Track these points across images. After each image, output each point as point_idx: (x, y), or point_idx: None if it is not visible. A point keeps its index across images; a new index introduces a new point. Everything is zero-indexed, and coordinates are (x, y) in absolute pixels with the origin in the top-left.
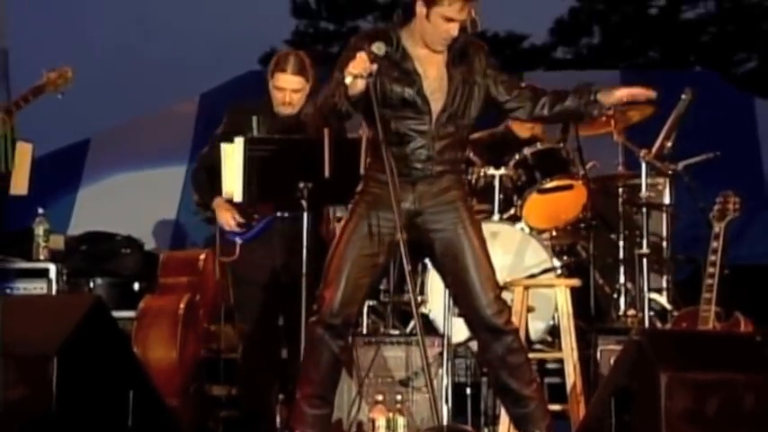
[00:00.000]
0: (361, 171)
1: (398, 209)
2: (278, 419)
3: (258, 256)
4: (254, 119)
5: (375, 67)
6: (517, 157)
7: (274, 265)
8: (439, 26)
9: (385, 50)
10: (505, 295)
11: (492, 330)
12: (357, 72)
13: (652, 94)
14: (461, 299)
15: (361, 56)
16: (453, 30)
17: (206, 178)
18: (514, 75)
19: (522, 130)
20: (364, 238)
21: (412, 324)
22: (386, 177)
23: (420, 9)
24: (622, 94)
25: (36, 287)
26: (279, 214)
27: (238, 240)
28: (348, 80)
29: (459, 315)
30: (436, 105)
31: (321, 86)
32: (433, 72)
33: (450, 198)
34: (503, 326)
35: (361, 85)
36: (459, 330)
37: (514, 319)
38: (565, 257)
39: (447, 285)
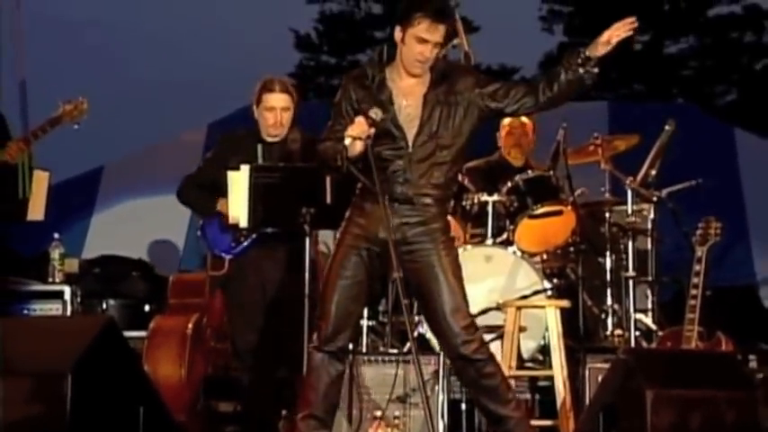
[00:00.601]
0: None
1: (394, 246)
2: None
3: (247, 274)
4: (260, 147)
5: (373, 130)
6: (510, 184)
7: (264, 283)
8: (413, 48)
9: (382, 116)
10: (498, 315)
11: (461, 358)
12: (356, 134)
13: (630, 21)
14: (433, 326)
15: (360, 121)
16: (427, 51)
17: (198, 191)
18: (504, 80)
19: (516, 158)
20: (352, 267)
21: (409, 343)
22: (370, 208)
23: (398, 34)
24: (606, 37)
25: (52, 308)
26: (269, 230)
27: (227, 256)
28: (347, 141)
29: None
30: (411, 131)
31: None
32: (411, 102)
33: (430, 230)
34: (471, 354)
35: (359, 146)
36: None
37: (506, 339)
38: (555, 280)
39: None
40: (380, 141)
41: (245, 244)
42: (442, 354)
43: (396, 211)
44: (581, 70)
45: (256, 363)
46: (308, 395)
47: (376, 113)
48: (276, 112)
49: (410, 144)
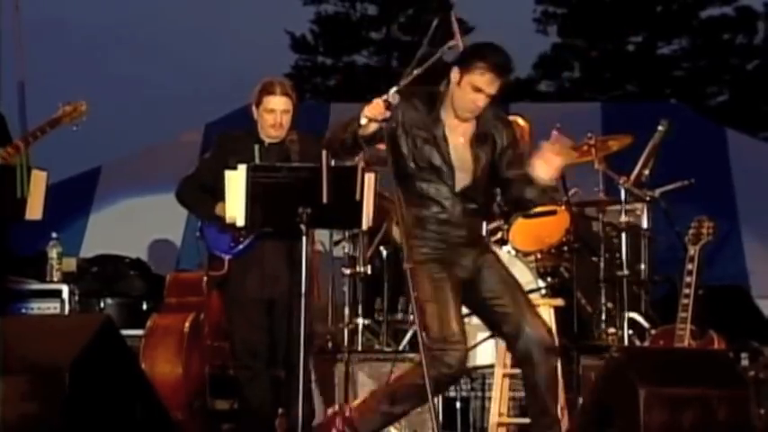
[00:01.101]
0: (357, 197)
1: (406, 237)
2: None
3: (246, 274)
4: (257, 147)
5: (389, 113)
6: None
7: (262, 283)
8: (467, 94)
9: (399, 100)
10: None
11: (548, 349)
12: (372, 115)
13: (557, 141)
14: (507, 329)
15: (378, 102)
16: (480, 101)
17: (197, 192)
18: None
19: None
20: (447, 288)
21: (405, 341)
22: (423, 254)
23: (454, 75)
24: (539, 162)
25: (50, 307)
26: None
27: (226, 256)
28: (363, 121)
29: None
30: (460, 176)
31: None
32: (459, 143)
33: (479, 246)
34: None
35: (373, 127)
36: None
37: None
38: (549, 278)
39: (489, 316)
40: (427, 175)
41: (244, 244)
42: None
43: (446, 257)
44: (546, 199)
45: (254, 361)
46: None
47: (394, 97)
48: (276, 115)
49: (456, 188)
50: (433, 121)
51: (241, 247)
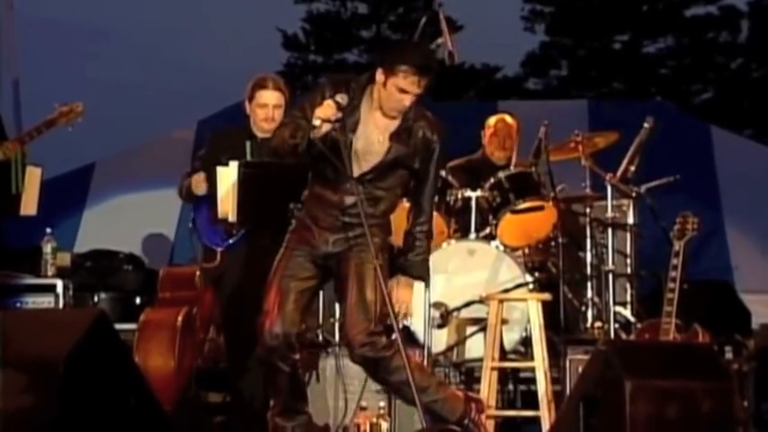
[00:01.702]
0: None
1: (371, 242)
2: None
3: (238, 267)
4: (248, 144)
5: (340, 114)
6: (492, 180)
7: (254, 276)
8: (393, 95)
9: (347, 101)
10: (481, 308)
11: (365, 360)
12: (325, 116)
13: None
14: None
15: (329, 103)
16: (406, 101)
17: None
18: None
19: (499, 159)
20: (295, 267)
21: (394, 335)
22: (311, 224)
23: (379, 76)
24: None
25: (44, 301)
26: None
27: (219, 249)
28: (316, 122)
29: (439, 327)
30: (362, 166)
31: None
32: (374, 135)
33: (359, 242)
34: (372, 355)
35: (325, 128)
36: (438, 341)
37: (489, 331)
38: (536, 273)
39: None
40: (333, 159)
41: (237, 237)
42: (426, 346)
43: (332, 230)
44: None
45: (245, 353)
46: (275, 395)
47: (342, 98)
48: (268, 109)
49: (354, 176)
50: (350, 109)
51: (233, 239)
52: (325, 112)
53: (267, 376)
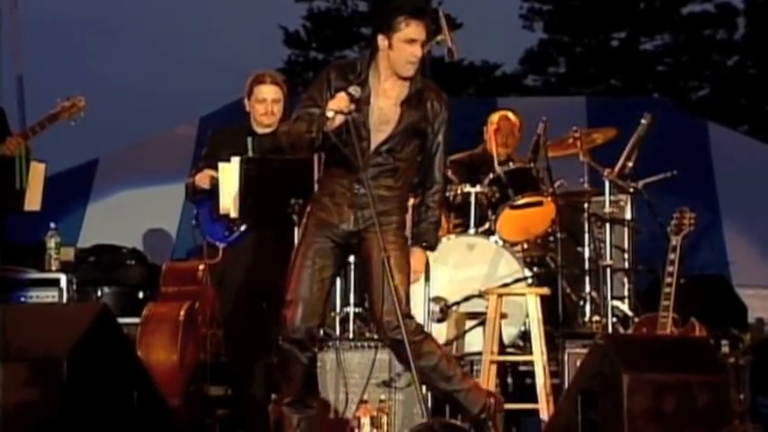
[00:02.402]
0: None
1: (379, 223)
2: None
3: (240, 262)
4: (250, 140)
5: (353, 106)
6: (491, 175)
7: (256, 271)
8: (403, 51)
9: (360, 93)
10: (480, 302)
11: (395, 343)
12: (337, 109)
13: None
14: (370, 312)
15: (342, 95)
16: (417, 50)
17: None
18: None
19: (498, 152)
20: (314, 256)
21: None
22: (329, 201)
23: (382, 42)
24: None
25: (48, 296)
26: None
27: (221, 244)
28: (330, 114)
29: (438, 321)
30: (378, 137)
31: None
32: (386, 105)
33: (382, 222)
34: (400, 339)
35: (338, 120)
36: (438, 335)
37: (488, 326)
38: (535, 268)
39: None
40: (347, 137)
41: (238, 232)
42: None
43: (353, 206)
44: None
45: (246, 348)
46: (287, 385)
47: (356, 90)
48: (267, 104)
49: (371, 148)
50: (359, 85)
51: (235, 235)
52: (339, 104)
53: (282, 365)
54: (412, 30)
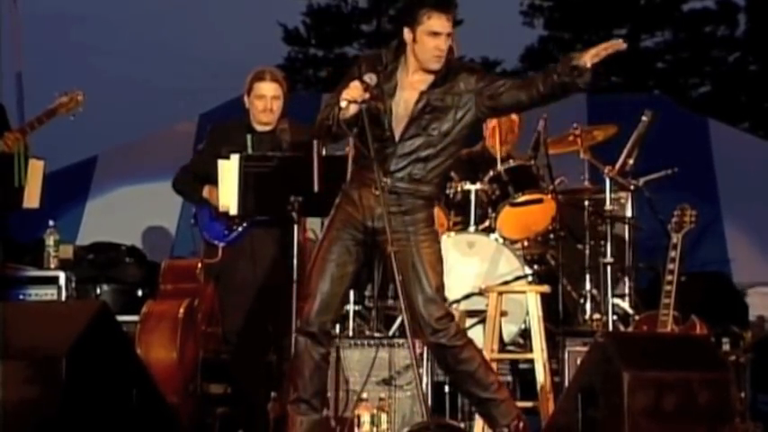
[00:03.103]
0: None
1: (388, 221)
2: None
3: (239, 260)
4: (249, 137)
5: (368, 95)
6: (492, 173)
7: (255, 269)
8: (427, 44)
9: (376, 81)
10: (481, 300)
11: (437, 346)
12: (351, 98)
13: (620, 43)
14: (410, 313)
15: (355, 84)
16: (441, 43)
17: (190, 180)
18: (498, 78)
19: (498, 149)
20: (338, 251)
21: (394, 327)
22: (357, 196)
23: (407, 35)
24: (595, 51)
25: (47, 293)
26: (259, 218)
27: (220, 244)
28: (343, 104)
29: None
30: (401, 125)
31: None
32: (411, 97)
33: (412, 220)
34: (446, 342)
35: (353, 110)
36: None
37: (488, 323)
38: (535, 266)
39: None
40: (373, 129)
41: (238, 231)
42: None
43: (379, 200)
44: (569, 79)
45: (246, 346)
46: (295, 380)
47: (371, 78)
48: (266, 100)
49: (396, 137)
50: (386, 77)
51: (234, 234)
52: (352, 94)
53: (294, 362)
54: (435, 22)
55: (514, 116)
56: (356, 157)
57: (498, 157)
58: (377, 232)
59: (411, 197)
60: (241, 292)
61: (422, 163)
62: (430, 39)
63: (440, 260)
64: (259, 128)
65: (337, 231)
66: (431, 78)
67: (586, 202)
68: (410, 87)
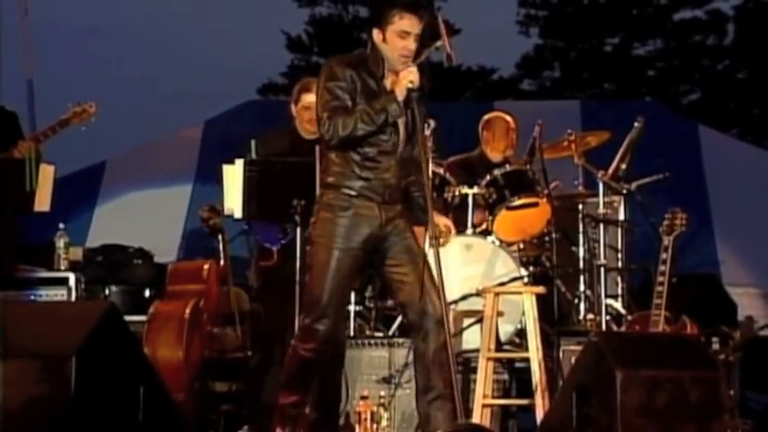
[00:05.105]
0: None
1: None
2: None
3: (292, 262)
4: (253, 142)
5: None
6: (488, 177)
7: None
8: (396, 43)
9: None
10: (478, 301)
11: (440, 321)
12: (414, 80)
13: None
14: (408, 299)
15: (413, 69)
16: (410, 44)
17: None
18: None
19: (495, 154)
20: (344, 270)
21: (394, 326)
22: (354, 206)
23: (377, 35)
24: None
25: (57, 294)
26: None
27: (275, 247)
28: (411, 85)
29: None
30: (401, 129)
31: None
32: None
33: (404, 217)
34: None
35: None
36: None
37: (485, 323)
38: (531, 267)
39: (393, 285)
40: (376, 136)
41: (291, 235)
42: None
43: (380, 210)
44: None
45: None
46: (295, 386)
47: (416, 66)
48: (312, 111)
49: (399, 143)
50: (378, 80)
51: (289, 238)
52: (414, 78)
53: (298, 370)
54: (405, 22)
55: (508, 119)
56: (326, 166)
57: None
58: (379, 239)
59: (400, 203)
60: (273, 295)
61: (411, 166)
62: (399, 39)
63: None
64: (306, 136)
65: (341, 248)
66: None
67: (580, 206)
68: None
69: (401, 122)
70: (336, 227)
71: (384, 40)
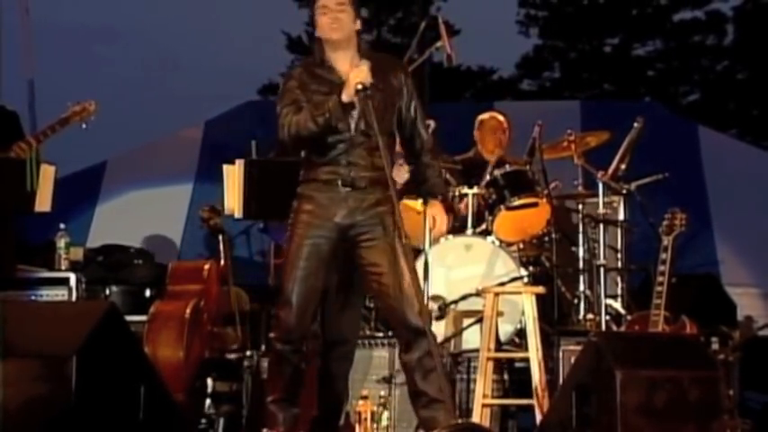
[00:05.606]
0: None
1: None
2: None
3: None
4: (253, 143)
5: (369, 80)
6: (488, 177)
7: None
8: (321, 23)
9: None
10: (478, 301)
11: (416, 330)
12: (362, 80)
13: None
14: (388, 303)
15: (364, 68)
16: (331, 18)
17: None
18: (415, 95)
19: (486, 154)
20: (306, 257)
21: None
22: (319, 194)
23: (312, 20)
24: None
25: (58, 294)
26: None
27: None
28: (359, 87)
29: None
30: (353, 114)
31: None
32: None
33: (378, 213)
34: (426, 327)
35: (351, 97)
36: (436, 333)
37: (485, 323)
38: (531, 267)
39: (371, 290)
40: (329, 133)
41: None
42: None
43: (344, 196)
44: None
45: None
46: (276, 382)
47: (365, 63)
48: None
49: (352, 127)
50: (327, 71)
51: None
52: (363, 77)
53: (273, 365)
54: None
55: (501, 118)
56: (306, 157)
57: (489, 158)
58: (345, 227)
59: (376, 187)
60: None
61: (376, 151)
62: (321, 17)
63: (411, 251)
64: None
65: (301, 237)
66: (347, 60)
67: (580, 206)
68: (346, 75)
69: (352, 121)
70: (300, 215)
71: (316, 23)
